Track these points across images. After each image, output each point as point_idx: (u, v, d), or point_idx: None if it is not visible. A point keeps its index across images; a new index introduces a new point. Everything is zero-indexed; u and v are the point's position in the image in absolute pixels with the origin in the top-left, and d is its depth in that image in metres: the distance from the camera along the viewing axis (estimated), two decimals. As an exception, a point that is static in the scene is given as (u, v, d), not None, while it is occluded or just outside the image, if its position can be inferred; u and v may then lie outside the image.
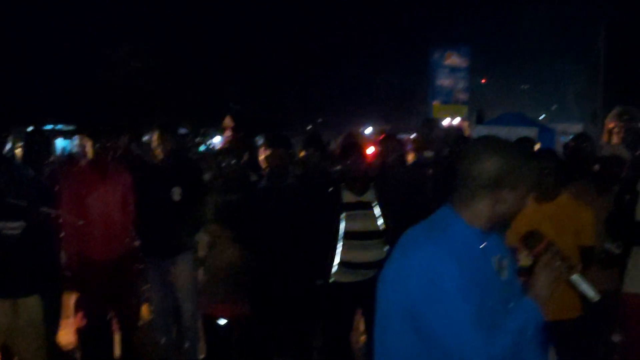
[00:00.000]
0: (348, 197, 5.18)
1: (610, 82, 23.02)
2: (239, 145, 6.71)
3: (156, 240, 5.80)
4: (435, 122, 6.80)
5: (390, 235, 4.99)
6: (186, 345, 6.02)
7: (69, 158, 9.60)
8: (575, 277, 2.55)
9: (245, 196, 5.48)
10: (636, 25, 6.65)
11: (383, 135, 6.91)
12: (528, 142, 6.61)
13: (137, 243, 6.00)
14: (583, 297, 2.57)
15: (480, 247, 2.38)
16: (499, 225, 2.49)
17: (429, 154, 4.76)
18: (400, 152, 6.10)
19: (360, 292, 5.12)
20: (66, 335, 6.11)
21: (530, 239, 2.72)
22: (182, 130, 10.17)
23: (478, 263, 2.35)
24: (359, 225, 5.10)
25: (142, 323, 6.62)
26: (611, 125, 6.00)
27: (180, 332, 6.10)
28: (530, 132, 13.38)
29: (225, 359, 5.85)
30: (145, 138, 8.91)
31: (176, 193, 5.71)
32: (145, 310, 6.69)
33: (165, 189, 5.72)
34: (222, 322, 5.71)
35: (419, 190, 4.80)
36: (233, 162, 5.63)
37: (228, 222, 5.53)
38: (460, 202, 2.40)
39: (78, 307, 5.84)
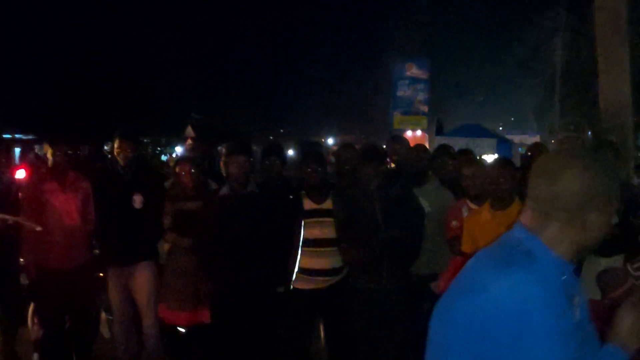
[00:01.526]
0: (308, 204, 5.22)
1: (567, 95, 23.51)
2: (198, 153, 6.71)
3: (117, 248, 5.76)
4: (404, 139, 6.89)
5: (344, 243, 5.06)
6: (146, 353, 5.99)
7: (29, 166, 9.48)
8: None
9: (205, 204, 5.50)
10: (592, 39, 6.86)
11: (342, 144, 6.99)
12: (470, 153, 6.70)
13: (97, 251, 5.96)
14: None
15: (562, 279, 1.90)
16: (581, 254, 2.01)
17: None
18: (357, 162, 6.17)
19: (319, 300, 5.17)
20: (23, 345, 6.02)
21: (611, 278, 2.49)
22: (144, 139, 10.12)
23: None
24: (318, 233, 5.14)
25: (102, 332, 6.56)
26: (560, 135, 6.17)
27: (141, 341, 6.06)
28: (489, 143, 13.64)
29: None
30: (107, 147, 8.87)
31: (137, 201, 5.70)
32: (104, 319, 6.64)
33: (126, 197, 5.70)
34: (182, 330, 5.71)
35: (369, 198, 4.88)
36: (192, 170, 5.66)
37: (186, 230, 5.55)
38: (536, 226, 1.93)
39: (36, 316, 5.78)
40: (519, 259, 1.85)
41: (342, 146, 6.52)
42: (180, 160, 6.23)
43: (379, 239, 4.75)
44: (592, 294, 4.74)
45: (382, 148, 6.62)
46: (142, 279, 5.80)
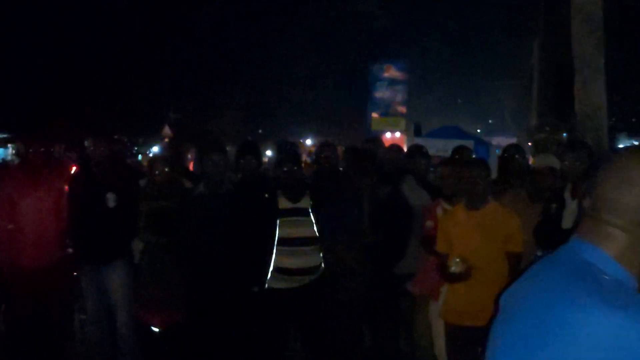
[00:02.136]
0: (284, 203, 5.21)
1: (544, 98, 23.65)
2: (174, 152, 6.67)
3: (90, 246, 5.71)
4: (379, 140, 6.91)
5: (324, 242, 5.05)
6: (121, 354, 5.94)
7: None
8: None
9: (180, 203, 5.47)
10: (568, 42, 6.91)
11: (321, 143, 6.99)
12: (466, 150, 6.77)
13: (70, 250, 5.90)
14: None
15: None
16: None
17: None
18: (336, 161, 6.18)
19: (295, 299, 5.15)
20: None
21: None
22: (121, 138, 10.05)
23: None
24: (294, 232, 5.13)
25: (75, 332, 6.51)
26: (535, 136, 6.21)
27: (115, 342, 6.01)
28: (467, 145, 13.65)
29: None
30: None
31: (111, 199, 5.65)
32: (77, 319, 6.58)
33: (99, 196, 5.65)
34: (156, 330, 5.67)
35: (352, 199, 4.88)
36: (166, 169, 5.62)
37: (160, 229, 5.51)
38: (602, 241, 1.60)
39: (7, 316, 5.71)
40: (612, 292, 1.49)
41: (322, 145, 6.52)
42: (154, 159, 6.19)
43: (364, 242, 4.75)
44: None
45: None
46: (116, 278, 5.75)
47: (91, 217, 5.65)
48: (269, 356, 5.42)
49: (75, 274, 5.98)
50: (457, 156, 6.62)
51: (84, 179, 5.76)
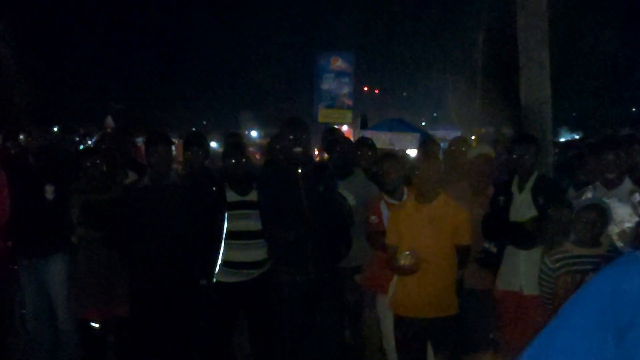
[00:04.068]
0: (232, 196, 5.12)
1: (488, 90, 24.03)
2: (113, 144, 6.46)
3: (28, 239, 5.55)
4: (338, 130, 6.84)
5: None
6: (62, 349, 5.79)
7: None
8: None
9: (123, 196, 5.32)
10: (512, 36, 6.97)
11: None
12: (434, 142, 6.79)
13: (9, 243, 5.70)
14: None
15: None
16: None
17: (297, 149, 4.76)
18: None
19: (243, 293, 5.09)
20: None
21: None
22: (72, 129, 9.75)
23: None
24: (242, 225, 5.06)
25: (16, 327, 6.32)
26: (480, 130, 6.30)
27: (56, 336, 5.85)
28: (413, 137, 13.76)
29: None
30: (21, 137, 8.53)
31: (49, 191, 5.49)
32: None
33: (37, 187, 5.48)
34: (96, 325, 5.53)
35: (295, 189, 4.81)
36: (98, 161, 5.46)
37: (95, 222, 5.37)
38: None
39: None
40: None
41: (273, 137, 6.46)
42: (85, 151, 6.00)
43: (305, 227, 4.68)
44: (513, 285, 4.85)
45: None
46: (55, 272, 5.60)
47: (29, 209, 5.49)
48: (215, 350, 5.35)
49: (15, 267, 5.81)
50: (426, 150, 6.66)
51: (21, 170, 5.58)
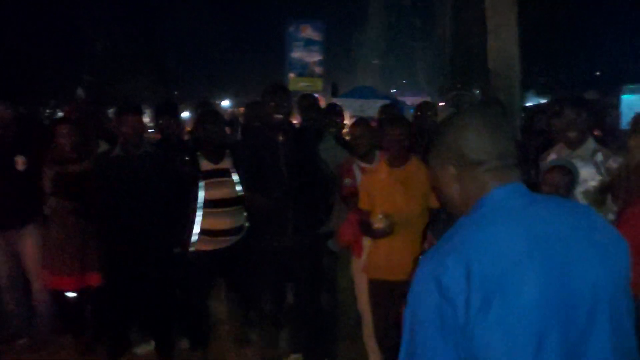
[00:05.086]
0: (205, 165, 5.15)
1: (456, 57, 24.11)
2: (82, 114, 6.42)
3: (0, 212, 5.54)
4: (311, 97, 6.84)
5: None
6: (37, 319, 5.82)
7: None
8: None
9: (95, 165, 5.33)
10: (480, 2, 7.05)
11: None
12: (392, 107, 6.84)
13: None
14: None
15: None
16: None
17: (278, 116, 4.77)
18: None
19: (221, 259, 5.14)
20: None
21: None
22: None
23: None
24: (218, 193, 5.07)
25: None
26: (449, 94, 6.35)
27: (32, 308, 5.87)
28: (383, 104, 13.82)
29: (77, 332, 5.73)
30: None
31: (20, 163, 5.48)
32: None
33: (7, 159, 5.46)
34: (71, 295, 5.57)
35: (275, 156, 4.83)
36: (70, 132, 5.46)
37: (68, 193, 5.37)
38: None
39: None
40: None
41: (250, 104, 6.47)
42: (58, 121, 5.96)
43: (285, 193, 4.71)
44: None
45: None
46: (29, 243, 5.61)
47: (0, 180, 5.47)
48: (192, 317, 5.42)
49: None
50: (384, 115, 6.72)
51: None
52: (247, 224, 5.21)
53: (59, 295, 5.61)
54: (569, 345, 1.56)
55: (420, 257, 2.18)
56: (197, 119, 5.58)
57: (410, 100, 21.00)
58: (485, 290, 1.52)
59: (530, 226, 1.63)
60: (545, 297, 1.54)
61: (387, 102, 14.39)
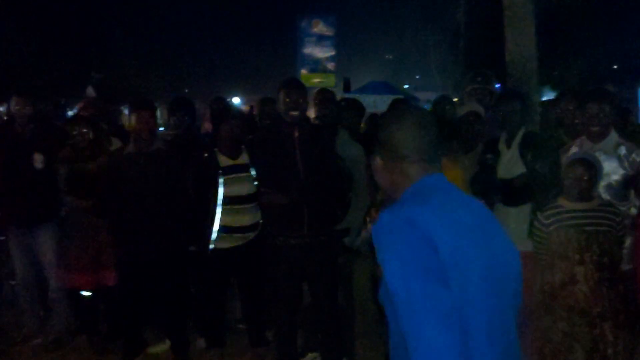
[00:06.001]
0: (224, 161, 5.09)
1: (470, 52, 23.93)
2: (96, 112, 6.38)
3: (17, 209, 5.53)
4: (328, 91, 6.73)
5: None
6: (53, 318, 5.79)
7: None
8: None
9: (108, 163, 5.28)
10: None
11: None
12: (404, 102, 6.74)
13: (-1, 213, 5.68)
14: None
15: None
16: None
17: (294, 113, 4.67)
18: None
19: (237, 256, 5.08)
20: None
21: None
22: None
23: None
24: (236, 189, 5.03)
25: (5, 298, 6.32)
26: (468, 88, 6.21)
27: (47, 305, 5.85)
28: (394, 99, 13.75)
29: (93, 332, 5.70)
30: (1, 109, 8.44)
31: (37, 160, 5.45)
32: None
33: (26, 156, 5.44)
34: (86, 293, 5.53)
35: (290, 152, 4.73)
36: (84, 130, 5.41)
37: (83, 191, 5.34)
38: None
39: None
40: None
41: (263, 100, 6.40)
42: (72, 120, 5.92)
43: (301, 190, 4.62)
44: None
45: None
46: (45, 241, 5.59)
47: (18, 178, 5.47)
48: (208, 316, 5.37)
49: (2, 238, 5.78)
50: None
51: (9, 139, 5.53)
52: (261, 221, 5.14)
53: (74, 294, 5.57)
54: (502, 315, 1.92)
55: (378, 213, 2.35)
56: (213, 115, 5.52)
57: (425, 96, 20.91)
58: (446, 244, 1.82)
59: (464, 202, 2.02)
60: (489, 266, 1.89)
61: (400, 97, 14.33)
